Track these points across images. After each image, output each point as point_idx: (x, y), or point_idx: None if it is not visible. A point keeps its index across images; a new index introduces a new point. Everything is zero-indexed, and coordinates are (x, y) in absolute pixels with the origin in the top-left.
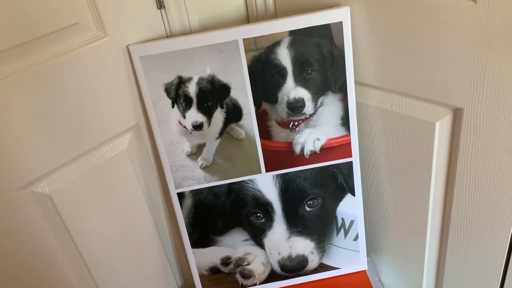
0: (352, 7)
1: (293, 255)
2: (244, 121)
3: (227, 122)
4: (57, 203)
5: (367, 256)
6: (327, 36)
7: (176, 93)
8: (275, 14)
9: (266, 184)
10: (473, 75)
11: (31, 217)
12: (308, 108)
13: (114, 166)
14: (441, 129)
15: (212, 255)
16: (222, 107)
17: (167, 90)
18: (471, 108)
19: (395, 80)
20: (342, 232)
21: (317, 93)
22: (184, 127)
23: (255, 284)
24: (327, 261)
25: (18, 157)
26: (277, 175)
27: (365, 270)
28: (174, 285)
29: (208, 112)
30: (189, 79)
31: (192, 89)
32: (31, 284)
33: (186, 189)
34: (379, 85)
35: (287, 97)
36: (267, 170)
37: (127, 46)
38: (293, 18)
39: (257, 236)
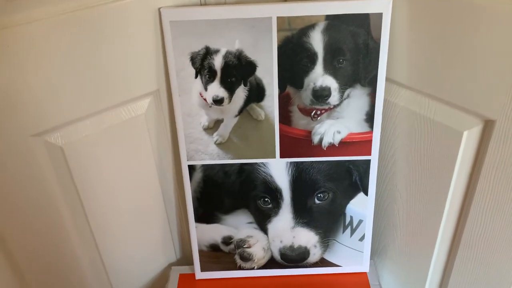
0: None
1: (295, 246)
2: (265, 102)
3: (248, 101)
4: (68, 156)
5: (370, 258)
6: (364, 26)
7: (201, 63)
8: None
9: (279, 170)
10: None
11: (40, 165)
12: (334, 99)
13: (129, 128)
14: (468, 139)
15: (214, 232)
16: (245, 85)
17: (192, 59)
18: (504, 121)
19: (428, 82)
20: (348, 230)
21: (345, 84)
22: (205, 99)
23: (252, 268)
24: (329, 257)
25: (36, 103)
26: (291, 162)
27: (366, 272)
28: (173, 256)
29: (230, 88)
30: (216, 51)
31: (218, 62)
32: (32, 229)
33: (197, 162)
34: (410, 85)
35: (314, 83)
36: (281, 156)
37: (159, 9)
38: (333, 2)
39: (262, 220)
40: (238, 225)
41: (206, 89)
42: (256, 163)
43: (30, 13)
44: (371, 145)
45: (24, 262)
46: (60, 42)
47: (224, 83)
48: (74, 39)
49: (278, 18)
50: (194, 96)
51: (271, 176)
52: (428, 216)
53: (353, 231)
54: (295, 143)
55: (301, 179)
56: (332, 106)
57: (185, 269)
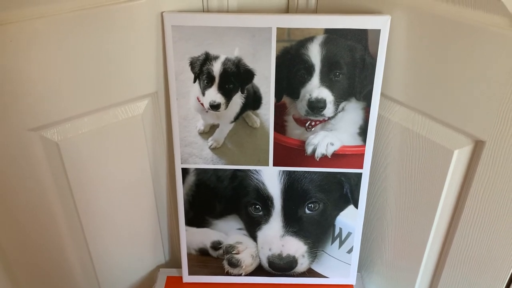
0: (393, 17)
1: (284, 254)
2: (261, 110)
3: (245, 108)
4: (63, 152)
5: (358, 271)
6: (362, 42)
7: (201, 69)
8: (316, 10)
9: (271, 178)
10: (504, 110)
11: (35, 160)
12: (328, 111)
13: (126, 129)
14: (459, 158)
15: (203, 236)
16: (242, 92)
17: (192, 64)
18: (494, 143)
19: (422, 100)
20: (337, 242)
21: (340, 97)
22: (202, 104)
23: (240, 275)
24: (316, 268)
25: (35, 98)
26: (283, 171)
27: (352, 285)
28: (161, 258)
29: (227, 94)
30: (216, 58)
31: (216, 68)
32: (23, 223)
33: (191, 166)
34: (405, 102)
35: (310, 95)
36: (274, 164)
37: (162, 13)
38: (332, 16)
39: (252, 227)
40: (228, 231)
41: (203, 94)
42: (249, 170)
43: (34, 9)
44: (363, 159)
45: (13, 255)
46: (63, 40)
47: (222, 89)
48: (76, 37)
49: (278, 29)
50: (191, 100)
51: (263, 184)
52: (416, 232)
53: (341, 243)
54: (289, 152)
55: (292, 188)
56: (326, 118)
57: (172, 272)
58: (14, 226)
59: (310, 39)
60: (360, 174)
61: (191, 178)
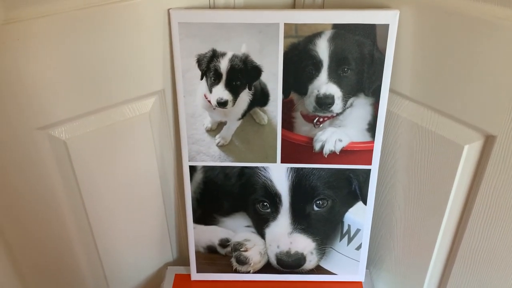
0: (401, 12)
1: (292, 252)
2: (269, 107)
3: (252, 105)
4: (71, 151)
5: (366, 268)
6: (370, 37)
7: (208, 66)
8: (323, 6)
9: (279, 175)
10: None
11: (43, 158)
12: (337, 107)
13: (133, 127)
14: (469, 153)
15: (211, 234)
16: (250, 89)
17: (199, 61)
18: (505, 137)
19: (432, 95)
20: (346, 238)
21: (349, 93)
22: (209, 101)
23: (248, 272)
24: (325, 265)
25: (43, 97)
26: (291, 168)
27: (361, 282)
28: (169, 256)
29: (235, 91)
30: (223, 54)
31: (224, 64)
32: (32, 222)
33: (199, 163)
34: (414, 97)
35: (318, 91)
36: (282, 161)
37: (168, 10)
38: (340, 11)
39: (260, 224)
40: (236, 228)
41: (211, 91)
42: (257, 167)
43: (41, 7)
44: (371, 155)
45: (22, 254)
46: (70, 37)
47: (229, 86)
48: (83, 35)
49: (285, 24)
50: (198, 97)
51: (271, 181)
52: (425, 228)
53: (350, 240)
54: (297, 149)
55: (300, 185)
56: (334, 114)
57: (180, 270)
58: (21, 224)
59: (318, 34)
60: (369, 170)
61: (198, 176)
